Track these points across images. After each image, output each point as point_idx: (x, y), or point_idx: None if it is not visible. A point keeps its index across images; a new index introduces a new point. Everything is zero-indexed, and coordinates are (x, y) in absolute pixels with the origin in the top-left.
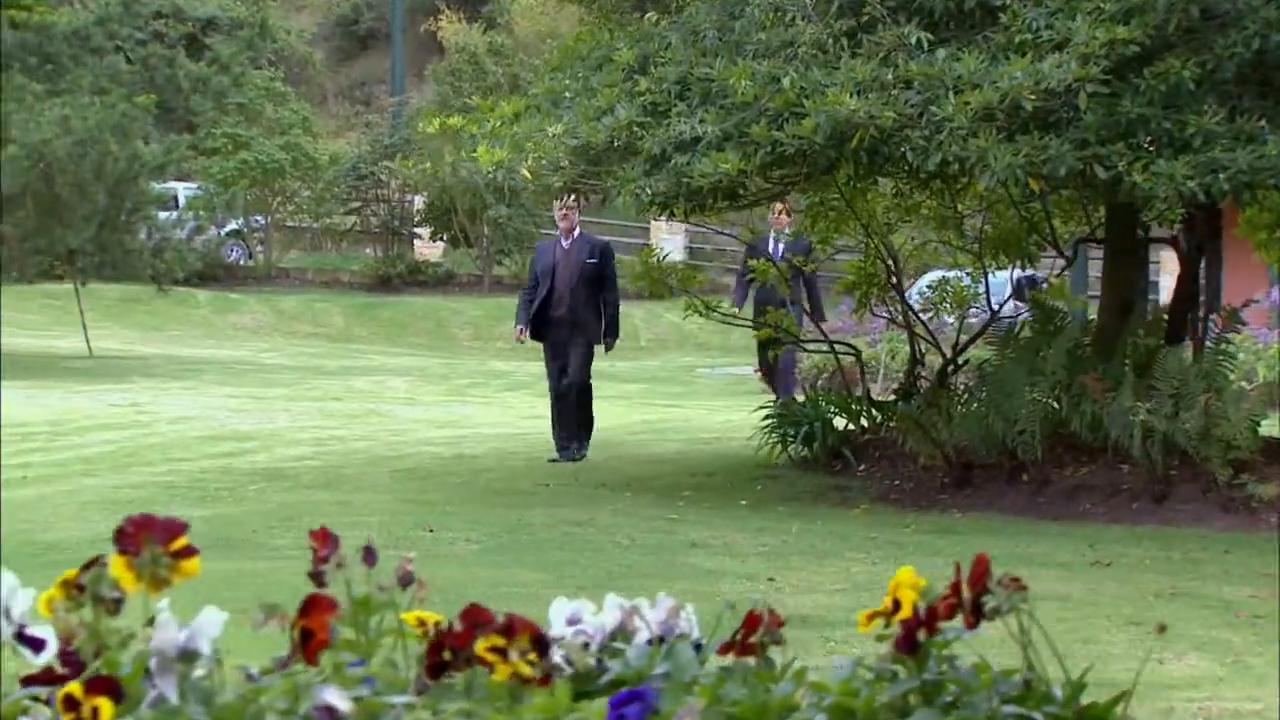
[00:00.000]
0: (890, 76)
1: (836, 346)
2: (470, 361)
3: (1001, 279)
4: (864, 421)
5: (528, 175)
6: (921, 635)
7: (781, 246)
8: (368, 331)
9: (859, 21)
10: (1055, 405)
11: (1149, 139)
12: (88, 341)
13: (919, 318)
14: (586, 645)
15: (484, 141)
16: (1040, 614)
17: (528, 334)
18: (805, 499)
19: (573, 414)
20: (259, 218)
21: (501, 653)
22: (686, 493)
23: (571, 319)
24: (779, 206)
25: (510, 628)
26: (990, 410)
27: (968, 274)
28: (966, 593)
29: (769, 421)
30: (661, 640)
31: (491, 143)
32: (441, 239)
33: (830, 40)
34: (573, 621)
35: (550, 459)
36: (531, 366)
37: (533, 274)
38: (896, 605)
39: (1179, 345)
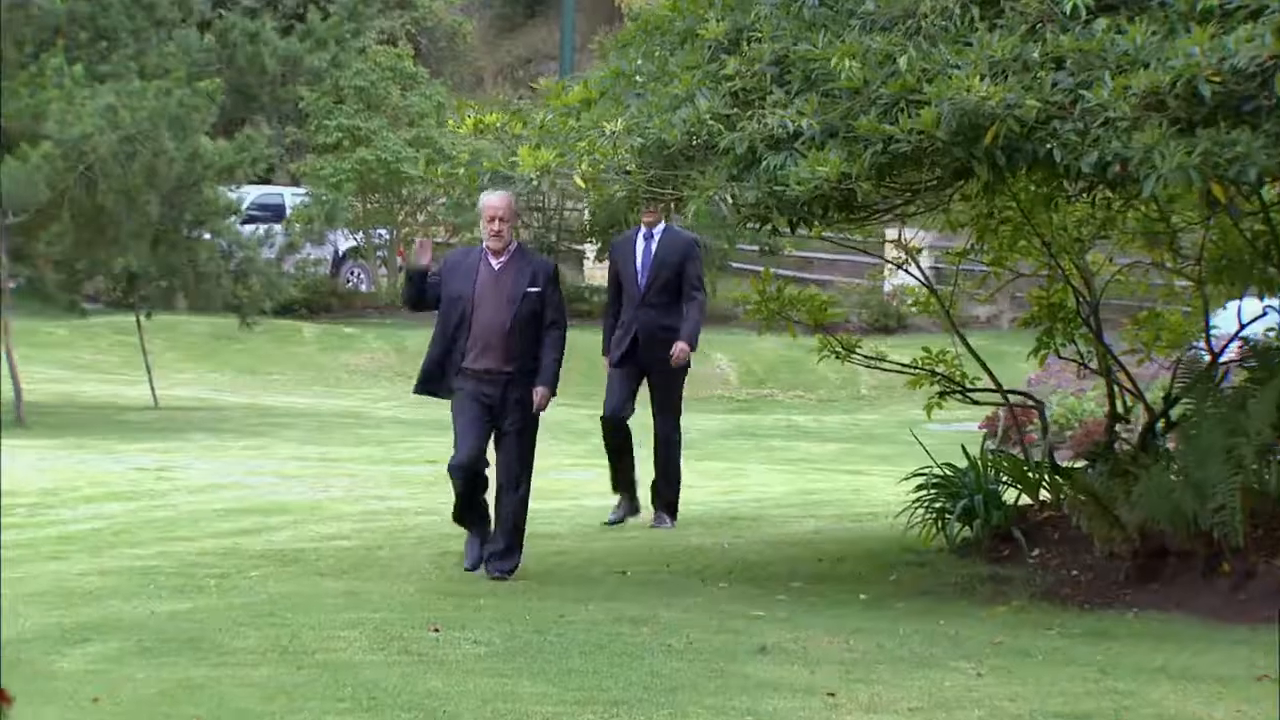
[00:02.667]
0: (1036, 54)
1: (1011, 398)
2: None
3: (1248, 309)
4: (1044, 494)
5: (580, 184)
6: None
7: (653, 246)
8: None
9: None
10: (1264, 474)
11: None
12: (153, 389)
13: (1119, 362)
14: None
15: (531, 140)
16: None
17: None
18: (944, 593)
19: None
20: (382, 231)
21: None
22: (796, 583)
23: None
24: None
25: None
26: (1181, 481)
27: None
28: None
29: (921, 494)
30: None
31: (539, 141)
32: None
33: (959, 9)
34: None
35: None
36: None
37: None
38: None
39: None
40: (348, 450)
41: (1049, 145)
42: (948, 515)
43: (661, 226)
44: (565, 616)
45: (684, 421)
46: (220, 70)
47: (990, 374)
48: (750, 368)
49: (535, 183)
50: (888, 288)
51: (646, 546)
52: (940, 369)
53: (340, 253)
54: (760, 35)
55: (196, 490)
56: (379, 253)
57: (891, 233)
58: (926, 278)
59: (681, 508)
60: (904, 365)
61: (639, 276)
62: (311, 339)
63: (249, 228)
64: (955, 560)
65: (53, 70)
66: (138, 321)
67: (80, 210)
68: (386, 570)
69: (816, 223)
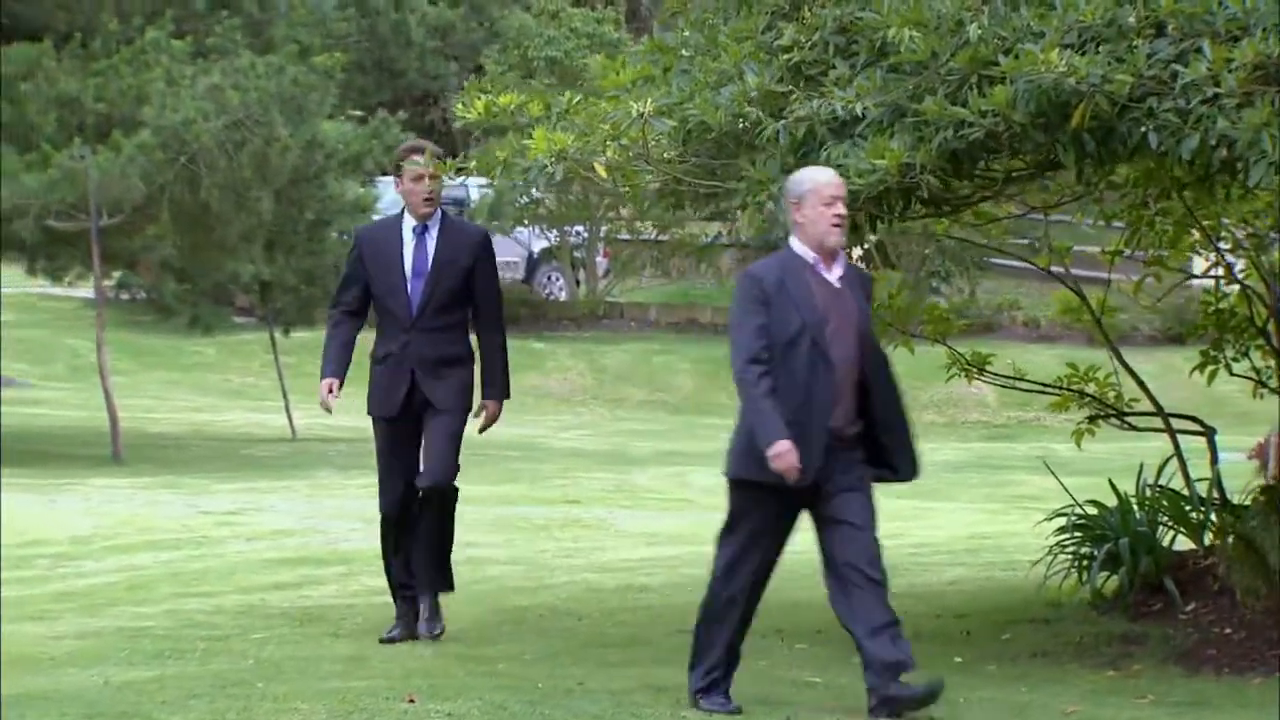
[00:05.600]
0: (1131, 19)
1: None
2: None
3: None
4: (1208, 537)
5: (602, 173)
6: None
7: (432, 245)
8: (729, 397)
9: None
10: None
11: None
12: (289, 417)
13: None
14: None
15: (548, 124)
16: None
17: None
18: (1058, 655)
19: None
20: (579, 228)
21: None
22: None
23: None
24: (412, 161)
25: None
26: None
27: None
28: None
29: (1061, 537)
30: None
31: (556, 125)
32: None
33: None
34: None
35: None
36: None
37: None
38: None
39: None
40: (484, 489)
41: (1144, 127)
42: (1090, 562)
43: (439, 216)
44: (584, 684)
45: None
46: (358, 42)
47: (1149, 394)
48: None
49: (549, 171)
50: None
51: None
52: (1090, 389)
53: (534, 254)
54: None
55: (257, 537)
56: (576, 253)
57: None
58: (1075, 283)
59: (807, 554)
60: (1045, 385)
61: (409, 289)
62: None
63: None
64: (1093, 616)
65: (150, 45)
66: (271, 339)
67: (181, 209)
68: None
69: (894, 217)
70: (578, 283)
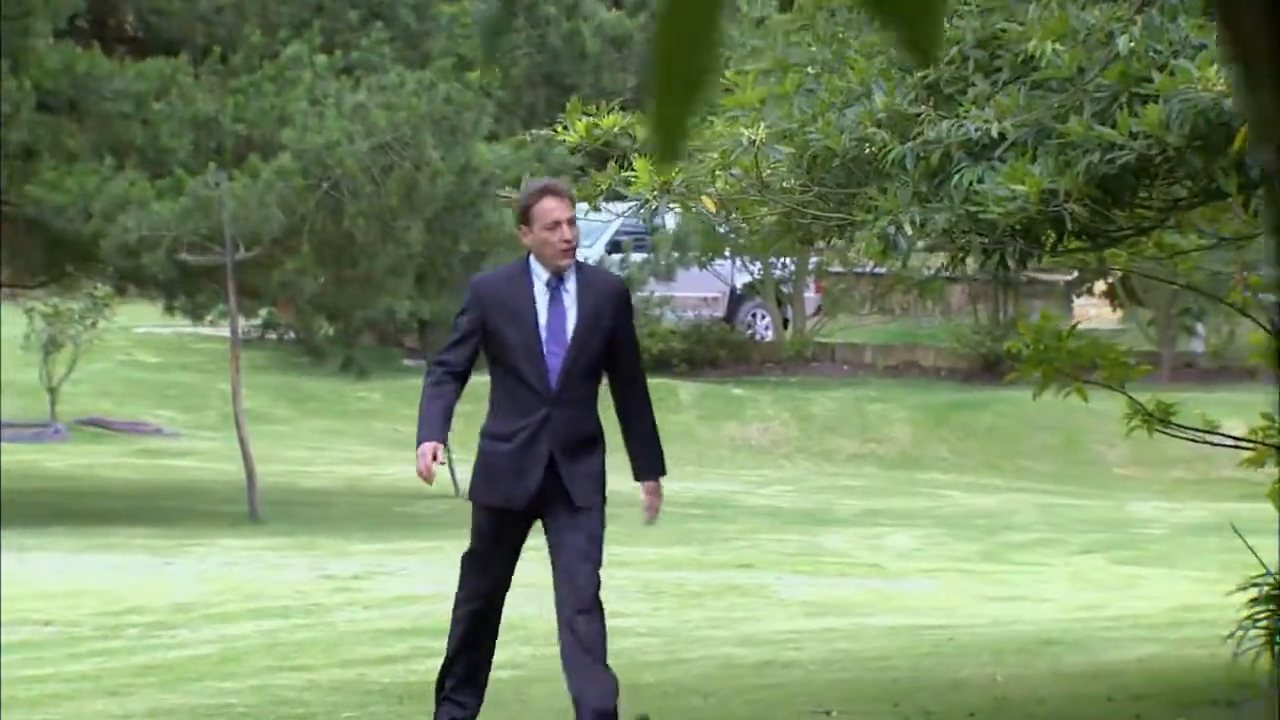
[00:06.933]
0: None
1: None
2: (1109, 502)
3: None
4: None
5: (711, 206)
6: None
7: (571, 302)
8: (950, 450)
9: None
10: None
11: None
12: (452, 472)
13: None
14: None
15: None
16: None
17: None
18: None
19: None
20: (786, 260)
21: None
22: None
23: None
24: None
25: None
26: None
27: None
28: None
29: (1254, 608)
30: None
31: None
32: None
33: None
34: None
35: None
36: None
37: None
38: None
39: None
40: (649, 551)
41: None
42: None
43: (573, 266)
44: None
45: (1153, 511)
46: (529, 54)
47: None
48: None
49: (652, 204)
50: None
51: (893, 678)
52: None
53: (736, 289)
54: (966, 7)
55: (378, 604)
56: (782, 288)
57: None
58: (1271, 320)
59: (991, 627)
60: (1237, 439)
61: (546, 354)
62: (691, 402)
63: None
64: None
65: (290, 60)
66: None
67: (324, 240)
68: (521, 712)
69: (1045, 252)
70: (785, 321)
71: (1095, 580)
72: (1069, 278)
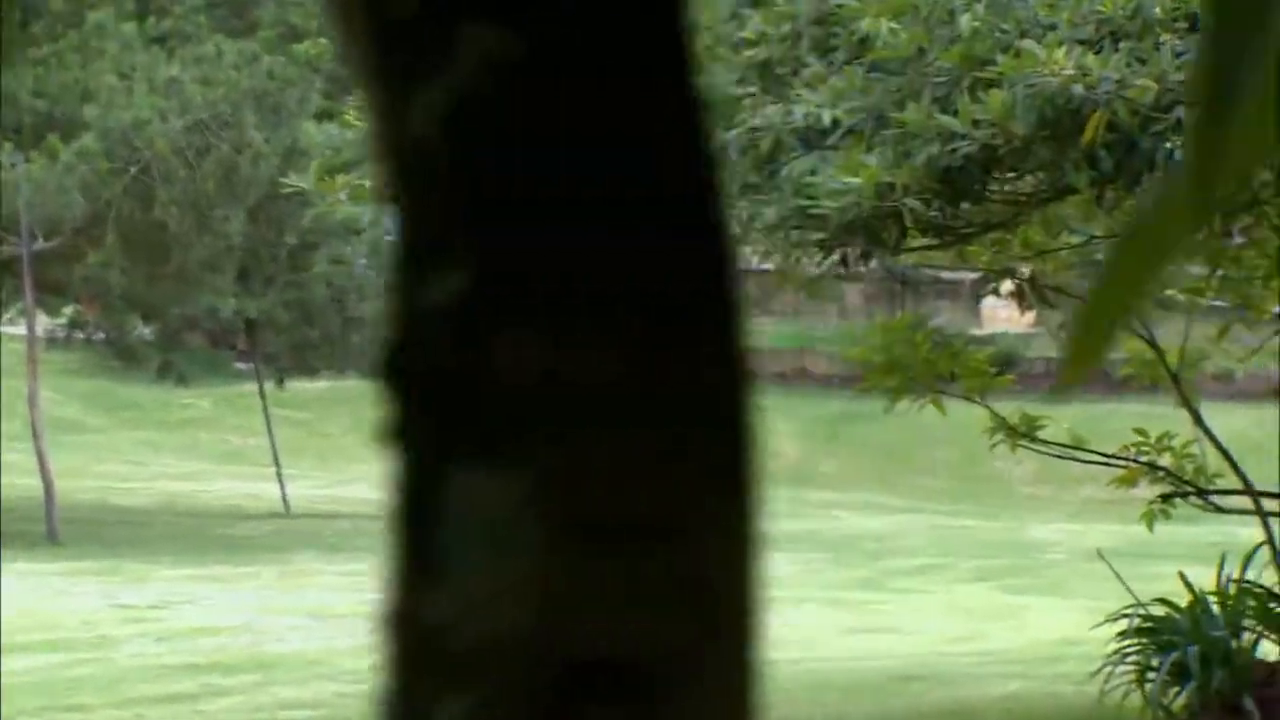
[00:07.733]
0: (1157, 9)
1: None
2: (1010, 523)
3: None
4: None
5: None
6: None
7: None
8: (841, 466)
9: None
10: None
11: None
12: (282, 488)
13: None
14: None
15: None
16: None
17: None
18: None
19: None
20: None
21: None
22: None
23: None
24: None
25: None
26: None
27: None
28: None
29: (1122, 643)
30: None
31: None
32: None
33: None
34: None
35: None
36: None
37: None
38: None
39: None
40: None
41: (1170, 143)
42: (1150, 672)
43: None
44: None
45: (1055, 534)
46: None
47: (1236, 467)
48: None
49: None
50: None
51: None
52: (1164, 461)
53: None
54: None
55: (172, 637)
56: None
57: None
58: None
59: (849, 662)
60: (1107, 456)
61: None
62: None
63: None
64: None
65: (94, 28)
66: (261, 391)
67: (133, 229)
68: None
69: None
70: None
71: (976, 610)
72: (974, 277)
